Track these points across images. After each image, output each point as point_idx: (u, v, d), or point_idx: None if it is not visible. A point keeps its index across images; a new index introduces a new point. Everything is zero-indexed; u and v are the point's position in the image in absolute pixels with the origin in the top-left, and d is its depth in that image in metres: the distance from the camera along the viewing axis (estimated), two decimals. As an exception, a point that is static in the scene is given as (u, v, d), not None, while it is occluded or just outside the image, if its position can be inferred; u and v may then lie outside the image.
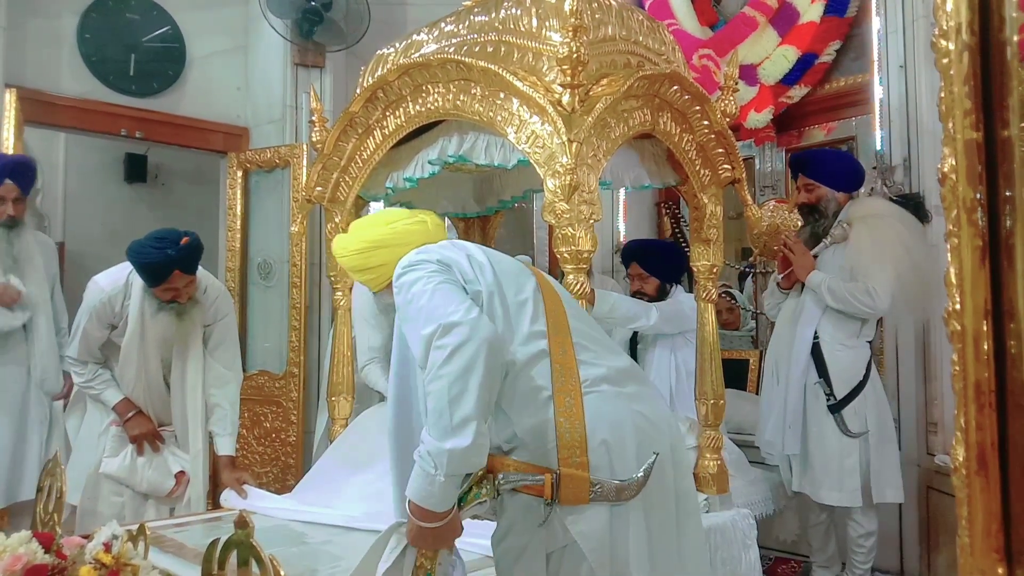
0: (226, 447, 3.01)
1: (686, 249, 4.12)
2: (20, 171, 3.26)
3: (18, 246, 3.26)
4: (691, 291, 3.36)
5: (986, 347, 0.68)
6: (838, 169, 3.41)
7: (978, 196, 0.68)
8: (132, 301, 2.93)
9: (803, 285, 3.30)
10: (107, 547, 1.59)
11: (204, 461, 3.04)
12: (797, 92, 4.48)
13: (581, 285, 2.27)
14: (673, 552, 1.70)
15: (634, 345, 3.50)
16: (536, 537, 1.65)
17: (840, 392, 3.17)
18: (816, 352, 3.21)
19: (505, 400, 1.67)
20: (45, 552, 1.56)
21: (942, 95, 0.70)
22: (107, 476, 2.97)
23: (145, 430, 3.00)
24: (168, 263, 2.79)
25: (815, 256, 3.32)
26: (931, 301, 3.27)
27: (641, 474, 1.61)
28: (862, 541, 3.24)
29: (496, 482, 1.63)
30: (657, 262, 3.49)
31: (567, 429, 1.62)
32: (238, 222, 4.98)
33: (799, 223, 3.59)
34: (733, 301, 4.90)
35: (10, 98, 4.06)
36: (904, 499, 3.33)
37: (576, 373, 1.68)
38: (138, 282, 2.91)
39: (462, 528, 1.65)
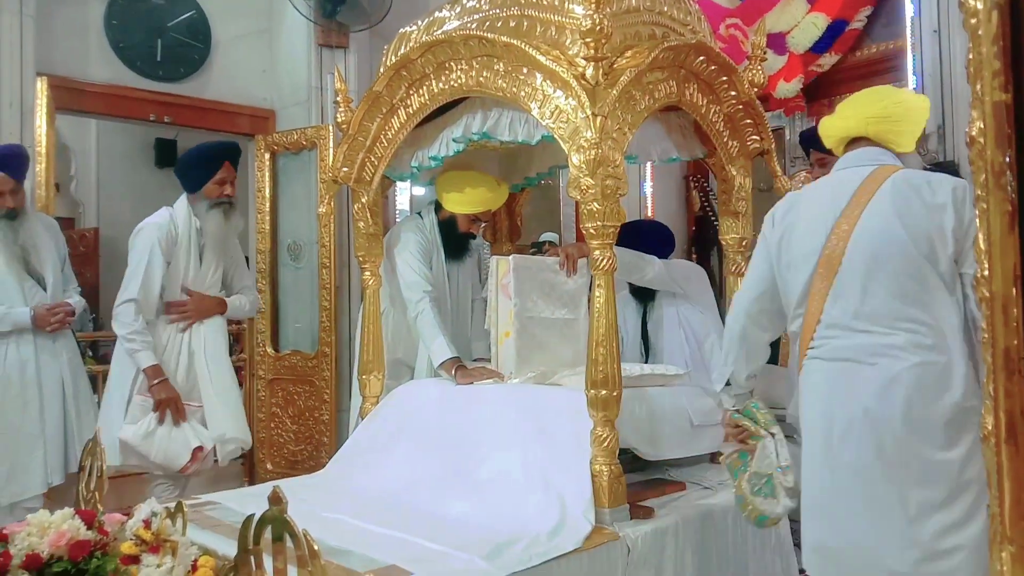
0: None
1: (715, 222, 4.07)
2: (11, 162, 3.24)
3: (23, 235, 3.27)
4: (720, 266, 3.33)
5: (1016, 313, 0.66)
6: None
7: (1007, 159, 0.66)
8: (180, 231, 3.28)
9: None
10: (147, 524, 1.64)
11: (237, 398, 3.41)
12: (827, 60, 4.39)
13: (608, 261, 2.26)
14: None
15: (645, 327, 3.47)
16: None
17: None
18: None
19: None
20: (88, 529, 1.61)
21: (970, 56, 0.68)
22: (123, 442, 3.10)
23: (171, 395, 3.15)
24: (224, 150, 3.35)
25: None
26: None
27: None
28: None
29: None
30: (650, 242, 3.43)
31: None
32: (267, 204, 5.03)
33: None
34: None
35: (41, 86, 4.12)
36: None
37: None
38: (181, 211, 3.30)
39: None
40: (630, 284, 3.45)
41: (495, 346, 2.90)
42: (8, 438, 3.17)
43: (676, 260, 3.43)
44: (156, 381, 3.15)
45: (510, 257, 2.92)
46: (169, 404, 3.16)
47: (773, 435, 2.19)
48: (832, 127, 2.16)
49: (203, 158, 3.37)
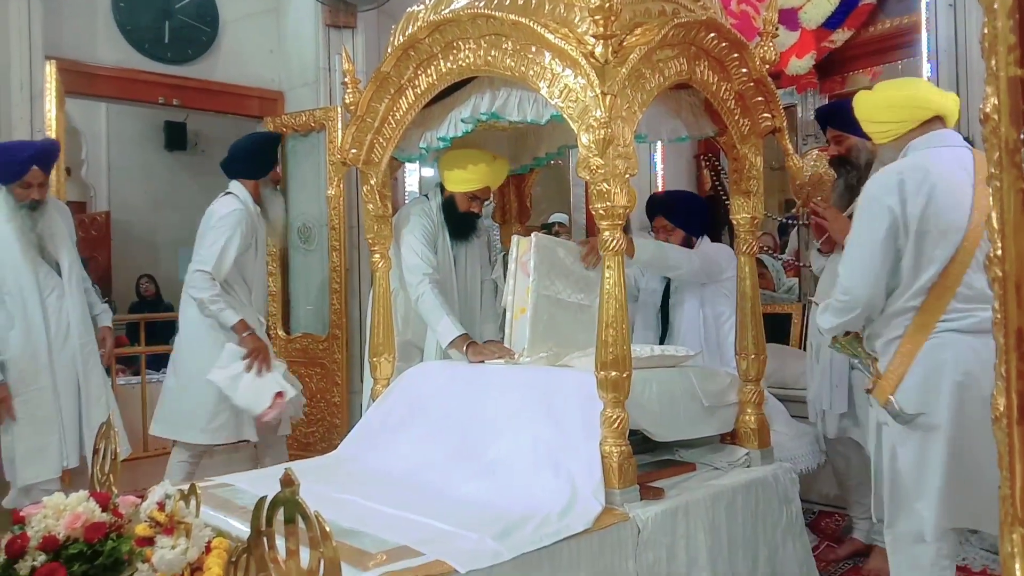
0: None
1: (726, 201, 4.04)
2: (45, 158, 3.37)
3: (42, 224, 3.36)
4: (731, 244, 3.30)
5: (1029, 294, 0.65)
6: None
7: (1022, 137, 0.65)
8: (255, 217, 3.54)
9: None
10: (161, 506, 1.65)
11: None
12: (840, 36, 4.32)
13: (617, 242, 2.25)
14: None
15: (666, 300, 3.46)
16: None
17: None
18: None
19: None
20: (103, 511, 1.62)
21: (985, 31, 0.67)
22: (211, 383, 3.34)
23: (260, 346, 3.44)
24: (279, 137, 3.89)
25: (851, 216, 3.22)
26: None
27: None
28: None
29: None
30: (683, 214, 3.41)
31: None
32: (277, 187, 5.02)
33: None
34: (763, 267, 4.79)
35: (50, 69, 4.12)
36: None
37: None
38: (248, 198, 3.55)
39: None
40: None
41: (509, 324, 2.91)
42: (24, 422, 3.21)
43: (709, 246, 3.37)
44: (246, 333, 3.42)
45: (532, 235, 2.94)
46: (259, 353, 3.42)
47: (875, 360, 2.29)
48: (931, 101, 2.29)
49: (269, 144, 3.77)
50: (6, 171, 3.27)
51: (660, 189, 5.25)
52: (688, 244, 3.39)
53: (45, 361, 3.27)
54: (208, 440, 3.48)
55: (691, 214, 3.43)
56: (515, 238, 3.00)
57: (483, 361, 2.82)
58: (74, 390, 3.34)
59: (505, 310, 2.99)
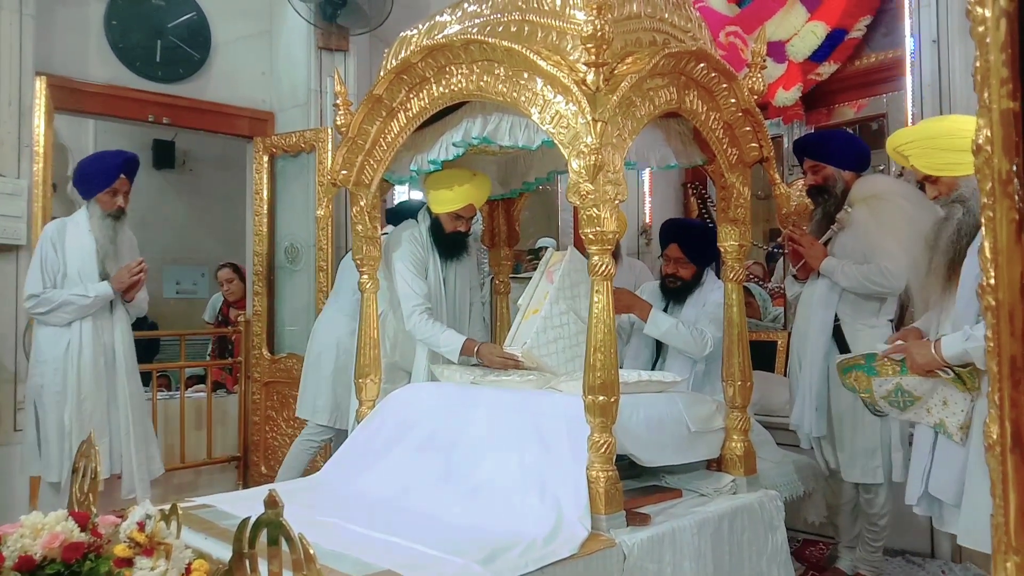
0: None
1: (712, 226, 4.06)
2: (131, 167, 3.57)
3: (120, 235, 3.54)
4: (717, 272, 3.31)
5: (1022, 322, 0.66)
6: (840, 147, 3.35)
7: (1014, 168, 0.66)
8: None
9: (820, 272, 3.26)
10: (141, 526, 1.62)
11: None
12: (826, 69, 4.40)
13: (606, 267, 2.25)
14: None
15: None
16: None
17: None
18: (838, 334, 3.18)
19: None
20: (81, 531, 1.60)
21: (977, 64, 0.68)
22: None
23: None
24: None
25: (826, 243, 3.26)
26: None
27: None
28: (876, 520, 3.23)
29: None
30: (701, 248, 3.32)
31: None
32: (265, 207, 5.02)
33: None
34: (750, 296, 4.83)
35: (40, 85, 4.11)
36: None
37: None
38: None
39: None
40: (662, 281, 3.45)
41: (516, 324, 3.04)
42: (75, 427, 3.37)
43: (718, 308, 3.32)
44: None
45: (568, 247, 3.07)
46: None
47: (973, 397, 2.30)
48: None
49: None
50: (99, 178, 3.47)
51: (648, 215, 5.29)
52: (697, 278, 3.38)
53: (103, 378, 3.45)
54: None
55: (706, 247, 3.40)
56: (549, 250, 3.13)
57: (493, 367, 2.97)
58: (103, 405, 3.49)
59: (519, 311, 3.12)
